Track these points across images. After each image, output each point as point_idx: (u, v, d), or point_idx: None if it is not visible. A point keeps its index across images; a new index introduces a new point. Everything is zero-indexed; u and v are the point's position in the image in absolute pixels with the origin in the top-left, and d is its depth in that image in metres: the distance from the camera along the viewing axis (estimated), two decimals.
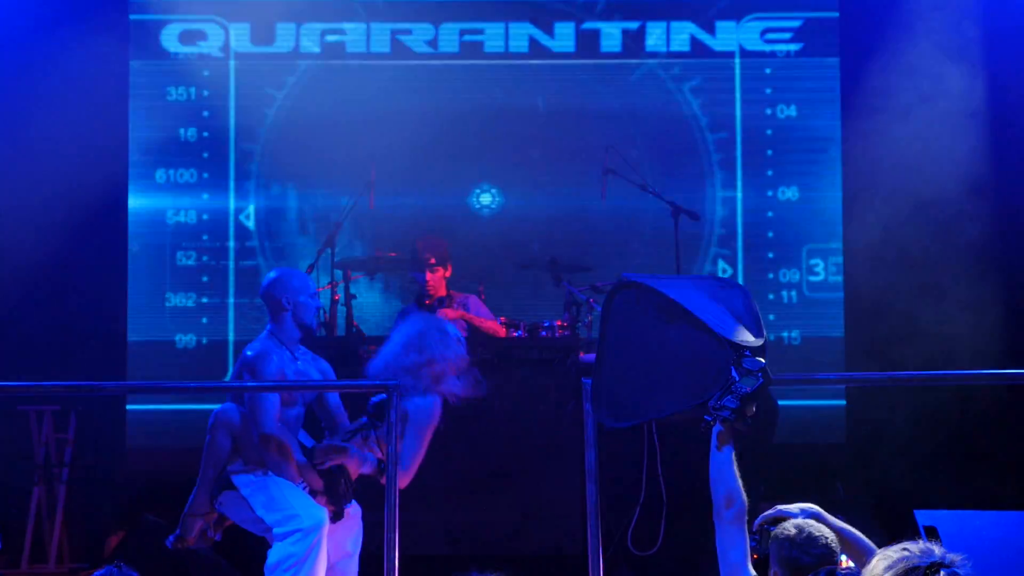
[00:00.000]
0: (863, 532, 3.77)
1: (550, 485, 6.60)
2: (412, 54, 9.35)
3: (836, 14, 9.28)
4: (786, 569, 3.42)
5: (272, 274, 5.78)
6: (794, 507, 3.64)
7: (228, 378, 7.10)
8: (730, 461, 3.47)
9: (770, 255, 9.31)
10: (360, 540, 5.67)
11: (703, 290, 3.61)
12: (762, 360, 3.46)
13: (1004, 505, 6.07)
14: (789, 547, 3.42)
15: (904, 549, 2.60)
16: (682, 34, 9.35)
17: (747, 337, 3.48)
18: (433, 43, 9.36)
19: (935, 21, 8.74)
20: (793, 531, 3.45)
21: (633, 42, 9.34)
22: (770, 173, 9.34)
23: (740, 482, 3.51)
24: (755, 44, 9.32)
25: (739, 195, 9.32)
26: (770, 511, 3.66)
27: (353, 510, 5.65)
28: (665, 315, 3.55)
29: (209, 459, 5.53)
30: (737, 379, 3.43)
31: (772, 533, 3.49)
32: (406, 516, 4.90)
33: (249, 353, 5.60)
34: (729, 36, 9.32)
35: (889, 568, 2.58)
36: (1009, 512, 5.38)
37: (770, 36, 9.34)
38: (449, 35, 9.35)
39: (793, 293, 9.26)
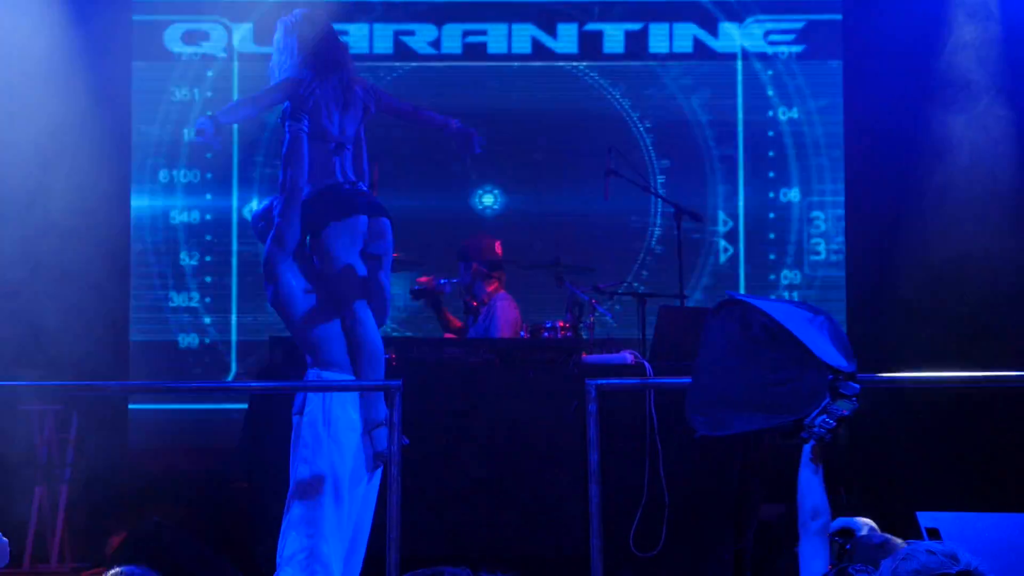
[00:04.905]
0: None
1: (552, 486, 6.58)
2: (415, 55, 9.34)
3: (839, 17, 9.29)
4: None
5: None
6: (861, 520, 3.90)
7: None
8: (819, 477, 3.67)
9: (772, 256, 9.31)
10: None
11: (800, 315, 3.82)
12: (857, 385, 3.66)
13: (1007, 507, 6.05)
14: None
15: (929, 551, 2.59)
16: (685, 35, 9.34)
17: (841, 362, 3.70)
18: (436, 44, 9.35)
19: (939, 21, 8.72)
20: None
21: (636, 43, 9.33)
22: (772, 175, 9.33)
23: (827, 497, 3.70)
24: (758, 46, 9.31)
25: (741, 196, 9.31)
26: (836, 522, 3.84)
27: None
28: (768, 334, 3.76)
29: None
30: (834, 401, 3.64)
31: (878, 545, 3.73)
32: (408, 517, 4.89)
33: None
34: (731, 38, 9.31)
35: (916, 572, 2.56)
36: (1012, 514, 5.36)
37: (773, 38, 9.33)
38: (452, 36, 9.34)
39: (795, 294, 9.25)
